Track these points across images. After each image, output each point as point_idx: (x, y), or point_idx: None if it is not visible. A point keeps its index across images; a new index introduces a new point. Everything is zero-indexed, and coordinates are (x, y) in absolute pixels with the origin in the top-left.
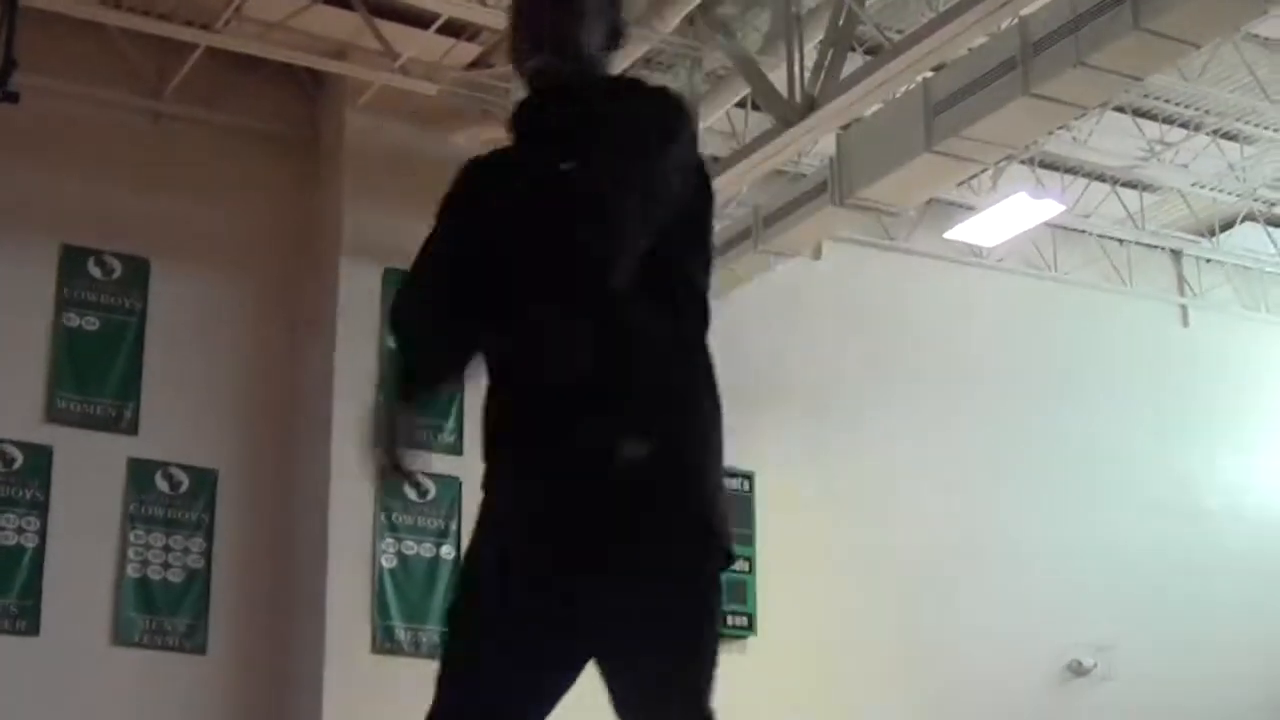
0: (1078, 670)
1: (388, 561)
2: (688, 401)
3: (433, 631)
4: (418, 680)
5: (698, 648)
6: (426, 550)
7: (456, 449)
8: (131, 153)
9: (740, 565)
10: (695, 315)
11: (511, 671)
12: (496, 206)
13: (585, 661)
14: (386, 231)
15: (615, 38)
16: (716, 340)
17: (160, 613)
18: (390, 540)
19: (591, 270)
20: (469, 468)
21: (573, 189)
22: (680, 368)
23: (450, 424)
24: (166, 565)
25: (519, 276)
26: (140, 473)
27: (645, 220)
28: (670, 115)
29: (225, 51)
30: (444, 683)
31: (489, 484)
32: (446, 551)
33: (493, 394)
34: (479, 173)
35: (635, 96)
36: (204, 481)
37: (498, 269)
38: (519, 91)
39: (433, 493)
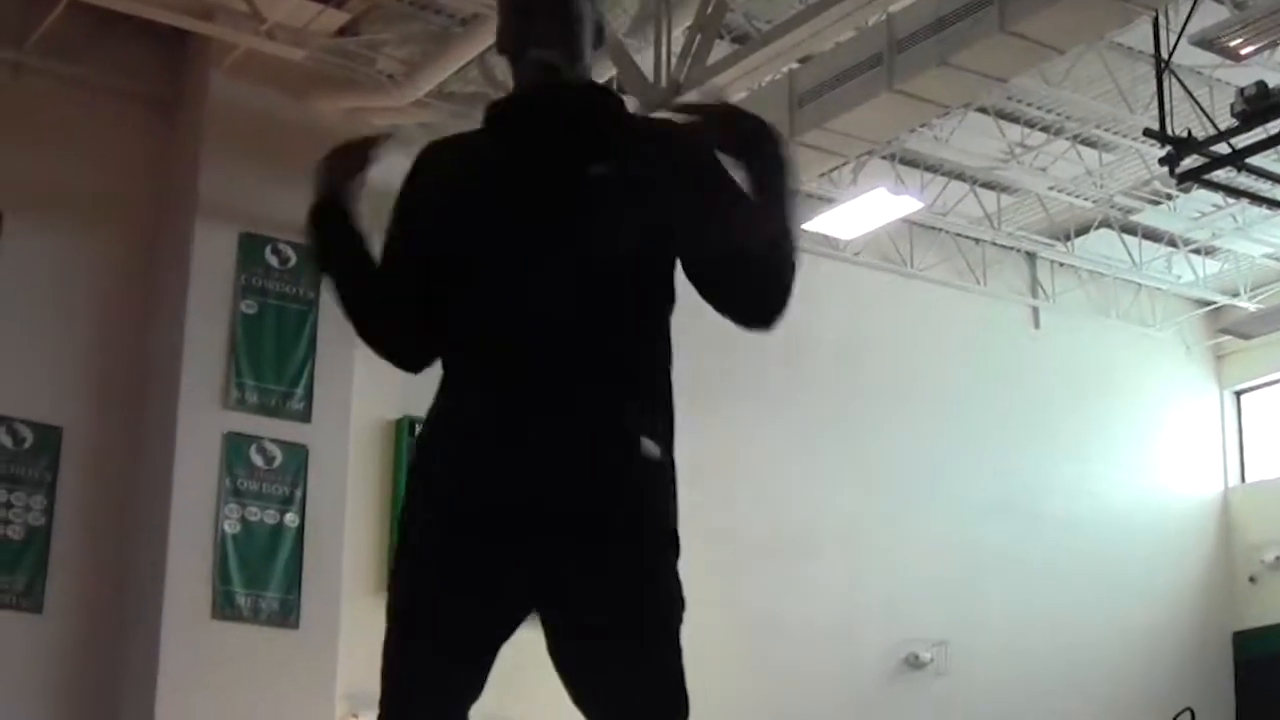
0: (915, 663)
1: (230, 527)
2: (672, 421)
3: (273, 599)
4: (256, 647)
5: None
6: (270, 517)
7: (304, 416)
8: None
9: None
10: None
11: (462, 633)
12: (509, 198)
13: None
14: (244, 197)
15: (599, 35)
16: None
17: None
18: (234, 505)
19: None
20: (316, 435)
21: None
22: (669, 384)
23: (299, 391)
24: (6, 522)
25: (542, 266)
26: None
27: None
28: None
29: (90, 6)
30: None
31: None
32: (290, 519)
33: (471, 359)
34: (461, 160)
35: (682, 141)
36: (48, 438)
37: (502, 252)
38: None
39: (279, 460)
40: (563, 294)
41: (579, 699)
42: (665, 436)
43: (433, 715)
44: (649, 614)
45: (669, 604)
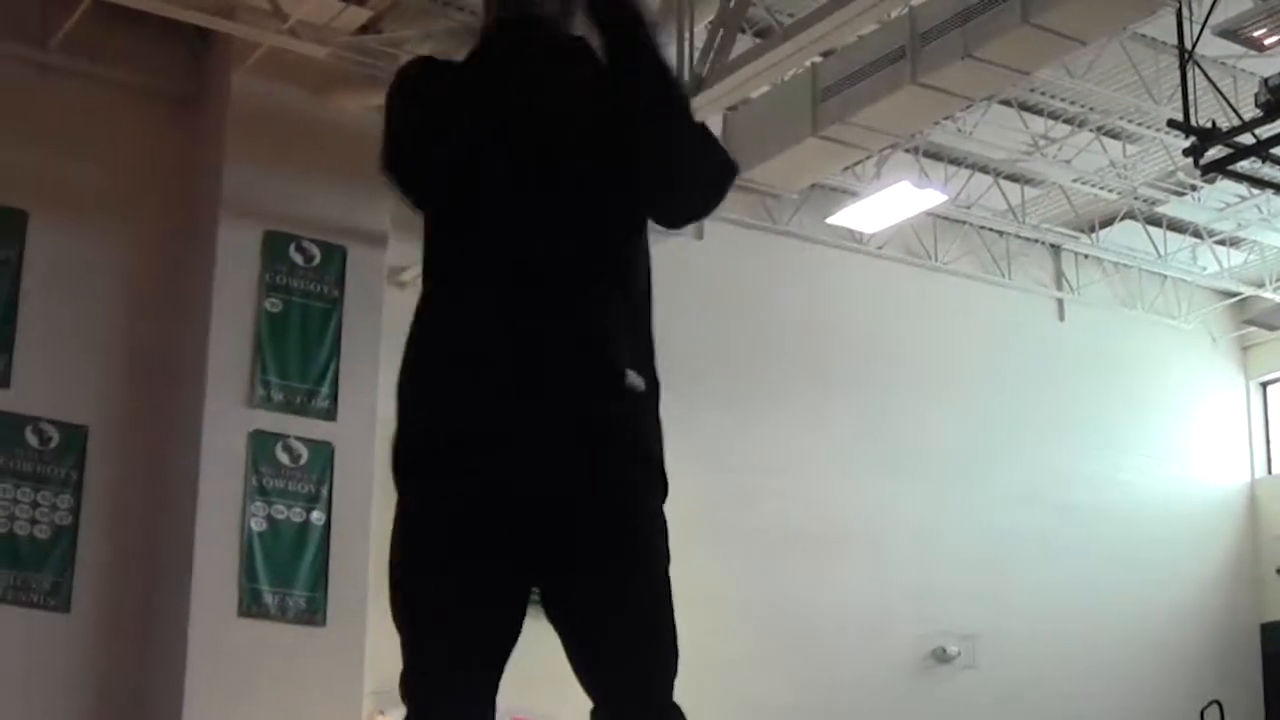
0: (942, 657)
1: (257, 525)
2: (654, 365)
3: (300, 596)
4: (282, 645)
5: (661, 581)
6: (296, 515)
7: (330, 415)
8: (14, 103)
9: None
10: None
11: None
12: (499, 127)
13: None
14: (267, 194)
15: None
16: None
17: (25, 569)
18: (260, 503)
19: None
20: (342, 433)
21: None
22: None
23: (325, 390)
24: (34, 521)
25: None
26: (10, 427)
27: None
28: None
29: (112, 5)
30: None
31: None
32: (317, 517)
33: (452, 296)
34: (458, 83)
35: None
36: (74, 438)
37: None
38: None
39: (305, 458)
40: (551, 222)
41: (573, 655)
42: (649, 363)
43: (466, 693)
44: (639, 557)
45: (652, 549)
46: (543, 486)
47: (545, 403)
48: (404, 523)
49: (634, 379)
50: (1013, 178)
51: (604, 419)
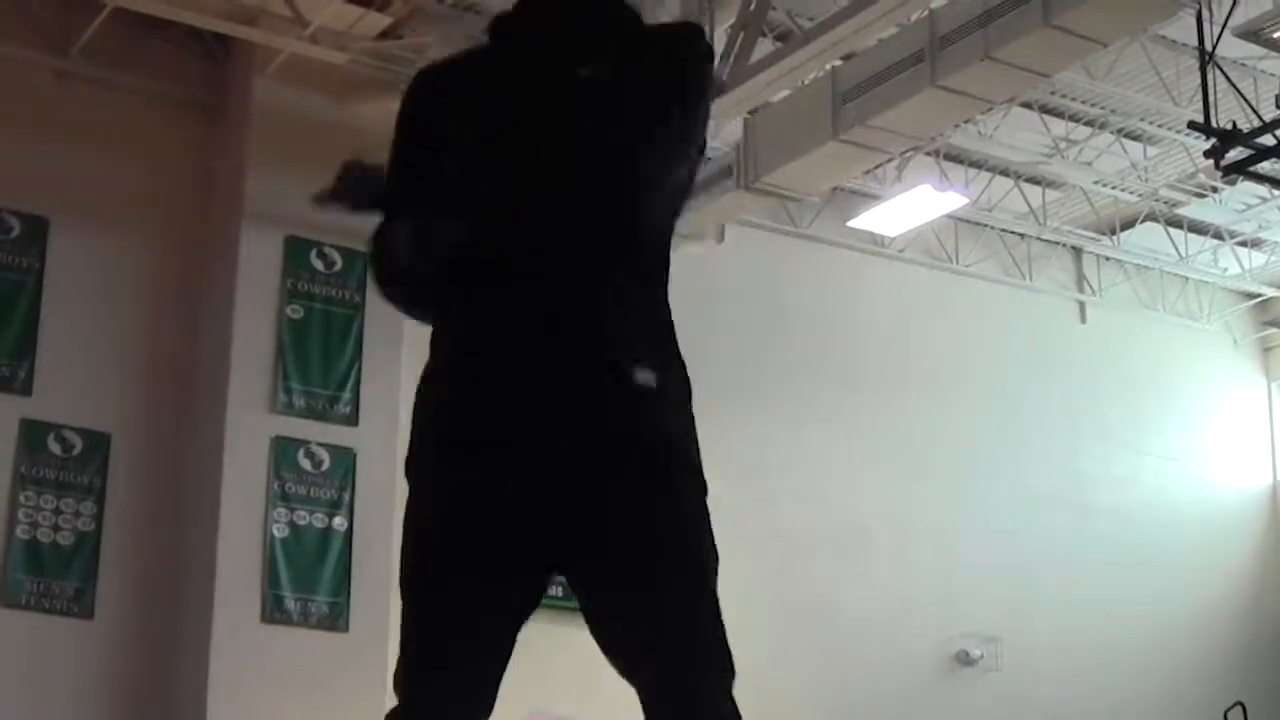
0: (965, 660)
1: (279, 531)
2: (676, 353)
3: (322, 602)
4: (305, 650)
5: (707, 564)
6: (319, 521)
7: (352, 420)
8: (35, 110)
9: None
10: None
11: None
12: (501, 104)
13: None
14: (289, 200)
15: None
16: None
17: (48, 575)
18: (283, 509)
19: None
20: (363, 439)
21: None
22: (666, 318)
23: (347, 395)
24: (56, 528)
25: (535, 185)
26: (33, 434)
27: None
28: (709, 65)
29: (133, 13)
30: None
31: (455, 397)
32: (339, 522)
33: (465, 305)
34: (454, 77)
35: (668, 34)
36: (97, 445)
37: (502, 169)
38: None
39: (326, 463)
40: (552, 214)
41: (618, 663)
42: (669, 364)
43: (461, 681)
44: (676, 560)
45: (699, 549)
46: (566, 477)
47: (563, 395)
48: (414, 518)
49: (644, 376)
50: (1033, 180)
51: (622, 413)
